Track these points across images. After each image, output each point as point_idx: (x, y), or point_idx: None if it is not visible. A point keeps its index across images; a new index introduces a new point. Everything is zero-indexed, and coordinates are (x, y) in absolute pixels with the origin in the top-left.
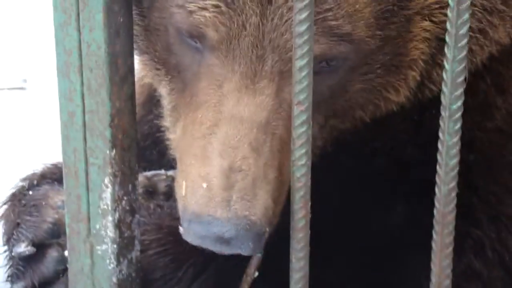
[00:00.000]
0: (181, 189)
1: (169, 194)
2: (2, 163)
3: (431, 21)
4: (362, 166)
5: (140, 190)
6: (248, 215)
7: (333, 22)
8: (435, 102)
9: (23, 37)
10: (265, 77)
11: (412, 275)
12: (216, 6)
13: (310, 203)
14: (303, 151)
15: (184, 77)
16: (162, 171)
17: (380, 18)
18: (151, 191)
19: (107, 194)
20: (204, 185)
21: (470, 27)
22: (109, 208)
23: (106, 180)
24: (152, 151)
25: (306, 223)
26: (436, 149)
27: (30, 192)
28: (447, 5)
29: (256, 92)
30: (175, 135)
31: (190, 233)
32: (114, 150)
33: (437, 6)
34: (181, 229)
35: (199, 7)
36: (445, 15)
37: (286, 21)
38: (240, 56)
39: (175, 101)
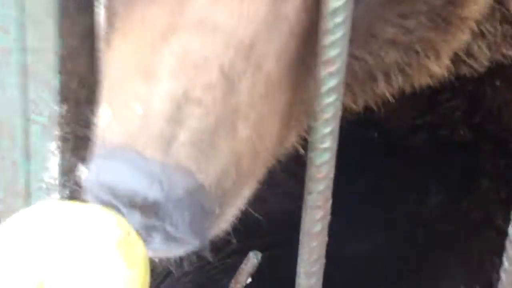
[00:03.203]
0: (101, 119)
1: None
2: None
3: None
4: (396, 145)
5: None
6: (194, 172)
7: None
8: (497, 71)
9: None
10: None
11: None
12: None
13: (331, 202)
14: (328, 130)
15: None
16: None
17: None
18: None
19: (54, 164)
20: (140, 109)
21: None
22: (56, 182)
23: (53, 146)
24: None
25: (323, 228)
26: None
27: None
28: None
29: None
30: (106, 53)
31: (95, 180)
32: (65, 105)
33: None
34: (83, 174)
35: None
36: None
37: None
38: None
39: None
